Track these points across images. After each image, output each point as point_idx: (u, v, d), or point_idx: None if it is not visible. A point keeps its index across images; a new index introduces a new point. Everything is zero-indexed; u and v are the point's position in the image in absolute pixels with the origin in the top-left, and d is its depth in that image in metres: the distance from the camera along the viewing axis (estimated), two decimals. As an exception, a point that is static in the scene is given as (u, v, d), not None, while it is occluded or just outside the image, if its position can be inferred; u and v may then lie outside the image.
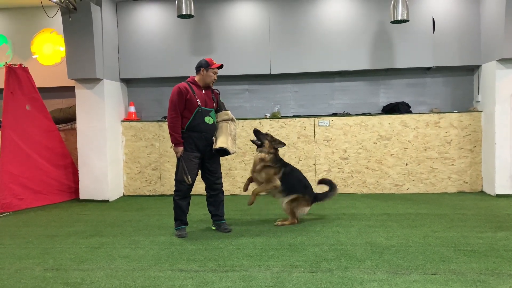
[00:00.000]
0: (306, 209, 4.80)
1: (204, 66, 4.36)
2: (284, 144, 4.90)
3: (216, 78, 4.45)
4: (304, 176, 4.98)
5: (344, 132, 6.55)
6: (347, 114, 6.72)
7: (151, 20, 6.86)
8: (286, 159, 6.58)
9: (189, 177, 4.28)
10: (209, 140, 4.38)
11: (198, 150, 4.35)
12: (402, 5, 5.70)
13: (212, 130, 4.42)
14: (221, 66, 4.45)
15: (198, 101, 4.30)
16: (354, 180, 6.56)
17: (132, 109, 7.09)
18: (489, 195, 6.17)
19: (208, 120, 4.37)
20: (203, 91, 4.41)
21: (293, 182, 4.75)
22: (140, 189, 6.94)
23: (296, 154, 6.63)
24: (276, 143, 4.80)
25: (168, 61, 6.83)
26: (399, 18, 5.72)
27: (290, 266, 3.42)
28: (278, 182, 4.65)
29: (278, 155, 4.84)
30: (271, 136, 4.84)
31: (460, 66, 6.59)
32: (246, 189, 4.85)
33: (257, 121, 6.67)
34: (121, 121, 6.95)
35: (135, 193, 6.94)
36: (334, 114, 6.80)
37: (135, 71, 6.94)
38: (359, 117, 6.55)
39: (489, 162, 6.18)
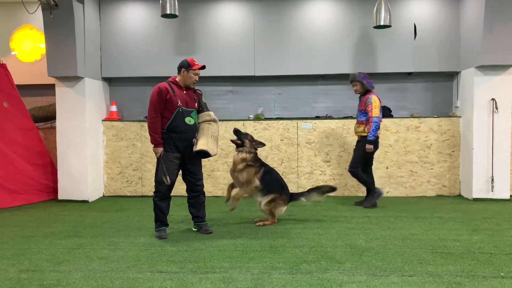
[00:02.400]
0: (283, 208, 4.88)
1: (185, 67, 4.30)
2: (264, 144, 4.99)
3: (197, 79, 4.39)
4: (281, 177, 5.09)
5: (327, 135, 6.60)
6: (330, 117, 6.77)
7: (135, 19, 6.79)
8: (269, 161, 6.61)
9: (167, 177, 4.22)
10: (189, 141, 4.32)
11: (178, 151, 4.30)
12: (385, 10, 5.79)
13: (193, 131, 4.37)
14: (203, 67, 4.37)
15: (179, 101, 4.25)
16: (335, 183, 6.60)
17: (113, 108, 7.00)
18: (467, 199, 6.30)
19: (189, 120, 4.31)
20: (184, 91, 4.35)
21: (271, 181, 4.85)
22: (120, 189, 6.85)
23: (279, 156, 6.65)
24: (257, 143, 4.89)
25: (151, 61, 6.77)
26: (382, 23, 5.82)
27: (270, 268, 3.43)
28: (257, 182, 4.74)
29: (257, 155, 4.91)
30: (251, 136, 4.93)
31: (440, 72, 6.72)
32: (228, 200, 4.94)
33: (241, 122, 6.67)
34: (102, 120, 6.85)
35: (115, 194, 6.85)
36: (317, 117, 6.85)
37: (117, 70, 6.85)
38: (341, 120, 6.62)
39: (467, 167, 6.32)
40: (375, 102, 5.50)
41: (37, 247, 4.07)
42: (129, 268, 3.46)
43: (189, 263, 3.55)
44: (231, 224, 4.88)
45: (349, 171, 5.82)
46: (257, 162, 4.84)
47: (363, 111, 5.65)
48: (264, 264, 3.50)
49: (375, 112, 5.46)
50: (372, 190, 5.76)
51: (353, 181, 6.58)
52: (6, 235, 4.54)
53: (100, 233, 4.56)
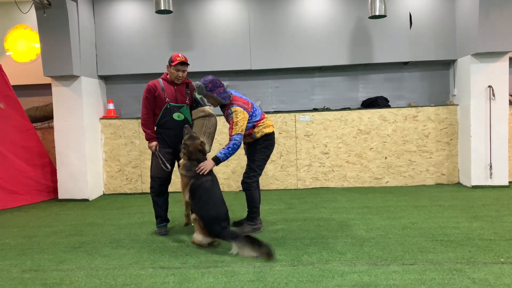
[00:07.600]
0: (199, 237, 3.87)
1: (168, 62, 4.23)
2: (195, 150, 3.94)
3: (181, 75, 4.20)
4: (217, 198, 3.96)
5: (325, 127, 6.60)
6: (327, 109, 6.77)
7: (129, 16, 6.76)
8: (267, 154, 6.60)
9: (167, 164, 4.25)
10: (179, 137, 4.17)
11: (169, 146, 4.33)
12: (379, 0, 5.77)
13: (182, 126, 4.19)
14: (183, 63, 4.15)
15: (167, 97, 4.23)
16: (334, 174, 6.63)
17: (111, 106, 6.98)
18: (466, 186, 6.33)
19: (178, 116, 4.27)
20: (175, 86, 4.30)
21: (200, 199, 3.83)
22: (120, 187, 6.85)
23: (277, 150, 6.66)
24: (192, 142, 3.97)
25: (147, 57, 6.75)
26: (377, 13, 5.80)
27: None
28: (186, 196, 3.93)
29: (193, 163, 3.95)
30: (192, 136, 4.02)
31: (436, 61, 6.72)
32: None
33: (238, 117, 6.65)
34: (100, 118, 6.84)
35: (115, 192, 6.85)
36: (315, 109, 6.85)
37: (113, 67, 6.83)
38: (339, 112, 6.62)
39: (465, 155, 6.33)
40: (236, 117, 4.00)
41: (39, 247, 4.08)
42: (132, 265, 3.48)
43: (191, 258, 3.57)
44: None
45: (245, 182, 4.39)
46: (189, 172, 3.91)
47: None
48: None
49: (236, 129, 3.98)
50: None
51: (353, 172, 6.60)
52: (7, 235, 4.55)
53: (101, 231, 4.57)
